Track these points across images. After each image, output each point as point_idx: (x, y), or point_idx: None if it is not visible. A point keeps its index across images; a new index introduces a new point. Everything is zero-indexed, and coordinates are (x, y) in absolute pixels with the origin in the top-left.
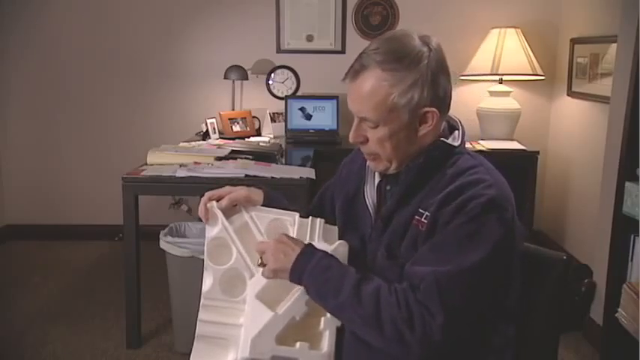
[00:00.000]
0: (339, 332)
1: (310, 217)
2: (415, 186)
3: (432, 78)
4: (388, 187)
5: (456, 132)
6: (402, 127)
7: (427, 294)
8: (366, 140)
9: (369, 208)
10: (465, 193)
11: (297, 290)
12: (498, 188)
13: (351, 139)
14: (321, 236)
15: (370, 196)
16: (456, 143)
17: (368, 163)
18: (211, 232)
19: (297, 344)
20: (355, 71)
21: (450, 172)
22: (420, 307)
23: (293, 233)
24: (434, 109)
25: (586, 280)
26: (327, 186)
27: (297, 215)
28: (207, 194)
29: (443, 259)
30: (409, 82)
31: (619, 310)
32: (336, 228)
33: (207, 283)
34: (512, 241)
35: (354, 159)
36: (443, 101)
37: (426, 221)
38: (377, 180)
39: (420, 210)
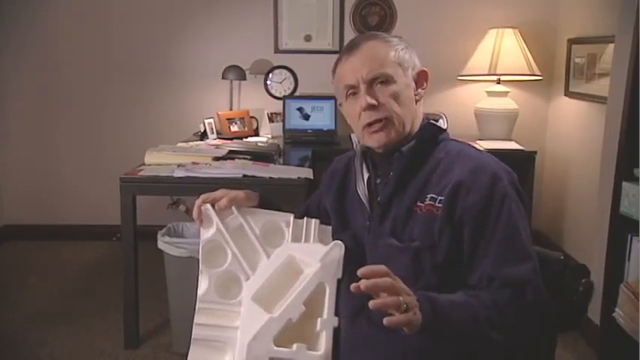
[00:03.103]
0: (336, 332)
1: (305, 218)
2: (409, 170)
3: (411, 48)
4: (378, 181)
5: (441, 120)
6: (408, 85)
7: (537, 289)
8: (378, 104)
9: (364, 201)
10: (481, 180)
11: (294, 291)
12: (500, 165)
13: (367, 102)
14: (316, 237)
15: (362, 191)
16: (444, 126)
17: (373, 140)
18: (206, 234)
19: (294, 346)
20: (353, 45)
21: (442, 156)
22: (533, 305)
23: (288, 234)
24: (425, 69)
25: (583, 280)
26: (311, 200)
27: (291, 216)
28: (202, 197)
29: (521, 250)
30: (402, 46)
31: (616, 309)
32: (330, 228)
33: (203, 286)
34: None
35: (334, 169)
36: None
37: (440, 205)
38: (366, 176)
39: (432, 195)
